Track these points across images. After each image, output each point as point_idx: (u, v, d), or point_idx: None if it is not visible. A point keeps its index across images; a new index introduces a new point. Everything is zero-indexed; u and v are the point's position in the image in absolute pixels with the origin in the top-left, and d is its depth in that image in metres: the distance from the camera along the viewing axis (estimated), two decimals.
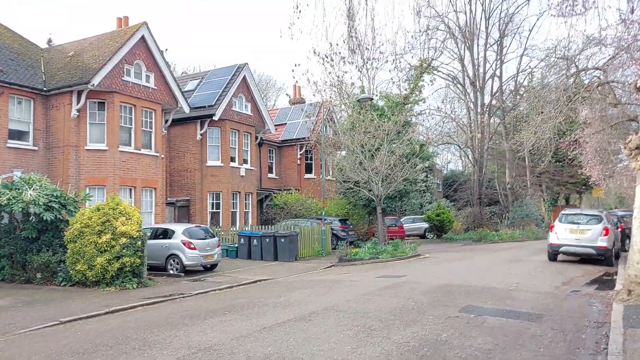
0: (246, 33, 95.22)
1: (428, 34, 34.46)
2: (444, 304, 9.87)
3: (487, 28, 36.94)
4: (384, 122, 23.01)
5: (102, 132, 18.83)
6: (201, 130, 24.70)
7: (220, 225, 24.42)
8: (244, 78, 26.71)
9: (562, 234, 16.94)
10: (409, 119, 27.87)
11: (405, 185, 24.87)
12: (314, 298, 11.15)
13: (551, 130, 18.57)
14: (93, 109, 18.82)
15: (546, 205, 42.02)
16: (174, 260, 16.56)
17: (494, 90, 38.05)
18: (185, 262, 16.36)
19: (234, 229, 24.37)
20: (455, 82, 39.66)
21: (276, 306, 10.24)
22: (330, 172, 32.05)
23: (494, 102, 38.02)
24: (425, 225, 34.40)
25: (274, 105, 54.88)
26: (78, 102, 18.36)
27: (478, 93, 36.98)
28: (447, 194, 48.97)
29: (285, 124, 34.25)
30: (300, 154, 32.90)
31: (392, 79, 60.19)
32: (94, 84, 17.95)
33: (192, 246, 16.43)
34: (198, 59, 75.21)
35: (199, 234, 17.20)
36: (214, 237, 18.04)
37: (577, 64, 17.81)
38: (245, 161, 26.72)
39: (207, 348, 7.07)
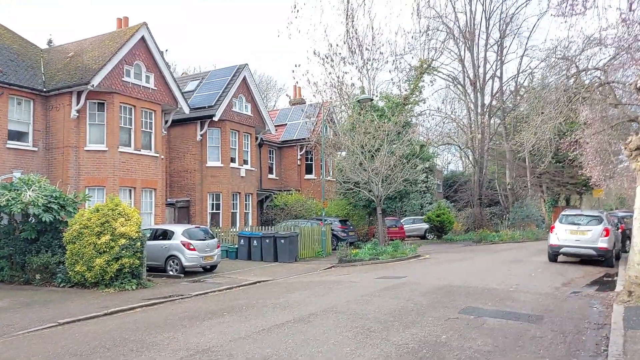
0: (246, 33, 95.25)
1: (428, 34, 34.54)
2: (444, 305, 9.84)
3: (487, 28, 36.95)
4: (384, 122, 23.00)
5: (101, 132, 18.82)
6: (201, 130, 24.69)
7: (220, 226, 24.40)
8: (244, 79, 26.70)
9: (563, 235, 16.91)
10: (409, 119, 27.88)
11: (405, 186, 24.85)
12: (314, 299, 11.12)
13: (551, 130, 18.54)
14: (93, 110, 18.81)
15: (546, 206, 41.99)
16: (173, 261, 16.53)
17: (494, 91, 38.07)
18: (185, 263, 16.33)
19: (234, 229, 24.35)
20: (455, 82, 39.65)
21: (275, 307, 10.21)
22: (331, 173, 32.03)
23: (494, 102, 38.00)
24: (426, 226, 34.37)
25: (274, 105, 54.92)
26: (78, 102, 18.35)
27: (478, 93, 36.95)
28: (447, 195, 48.94)
29: (286, 124, 34.25)
30: (301, 155, 32.88)
31: (392, 79, 60.21)
32: (93, 85, 17.94)
33: (192, 247, 16.40)
34: (198, 59, 75.24)
35: (198, 235, 17.17)
36: (214, 238, 18.02)
37: (577, 64, 17.78)
38: (245, 162, 26.70)
39: (205, 350, 7.04)
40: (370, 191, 23.17)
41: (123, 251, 13.14)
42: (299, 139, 32.34)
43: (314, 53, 23.66)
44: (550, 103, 18.60)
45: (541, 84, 24.60)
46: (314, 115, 29.29)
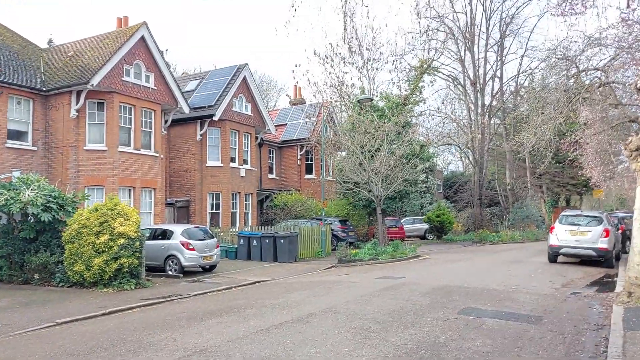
0: (246, 33, 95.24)
1: (428, 34, 34.52)
2: (443, 306, 9.81)
3: (487, 29, 36.93)
4: (384, 122, 22.97)
5: (101, 132, 18.79)
6: (201, 130, 24.66)
7: (220, 226, 24.37)
8: (244, 78, 26.67)
9: (563, 235, 16.87)
10: (409, 119, 27.84)
11: (405, 186, 24.82)
12: (313, 299, 11.09)
13: (551, 131, 18.51)
14: (92, 109, 18.79)
15: (547, 207, 41.95)
16: (172, 261, 16.51)
17: (495, 91, 38.03)
18: (184, 263, 16.31)
19: (234, 229, 24.33)
20: (455, 82, 39.61)
21: (274, 307, 10.18)
22: (331, 173, 32.01)
23: (494, 103, 37.97)
24: (426, 226, 34.35)
25: (274, 105, 54.88)
26: (77, 102, 18.32)
27: (478, 94, 36.92)
28: (447, 195, 48.90)
29: (286, 124, 34.23)
30: (301, 155, 32.86)
31: (392, 79, 60.18)
32: (93, 84, 17.91)
33: (191, 247, 16.38)
34: (198, 59, 75.24)
35: (197, 234, 17.14)
36: (213, 238, 17.99)
37: (577, 64, 17.74)
38: (245, 162, 26.67)
39: (202, 350, 7.01)
40: (370, 191, 23.15)
41: (122, 251, 13.12)
42: (299, 139, 32.31)
43: (314, 53, 23.64)
44: (550, 103, 18.57)
45: (541, 85, 24.57)
46: (314, 115, 29.26)
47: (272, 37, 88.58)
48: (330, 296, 11.46)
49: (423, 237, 34.27)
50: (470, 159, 41.32)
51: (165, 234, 17.04)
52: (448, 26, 36.07)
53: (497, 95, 37.94)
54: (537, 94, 21.08)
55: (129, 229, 13.34)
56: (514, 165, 39.12)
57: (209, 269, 17.42)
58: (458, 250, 25.55)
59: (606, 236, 16.20)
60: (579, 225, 16.88)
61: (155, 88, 20.72)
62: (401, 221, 32.77)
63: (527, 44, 53.89)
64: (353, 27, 26.61)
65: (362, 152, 22.48)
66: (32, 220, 14.51)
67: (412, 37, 34.56)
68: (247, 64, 27.02)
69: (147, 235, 16.16)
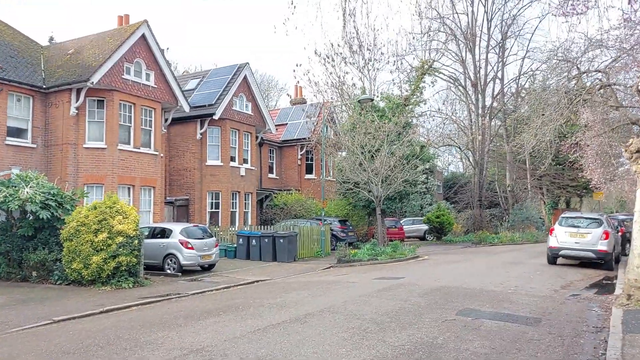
0: (246, 33, 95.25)
1: (429, 35, 34.46)
2: (442, 307, 9.78)
3: (489, 30, 36.88)
4: (384, 123, 22.93)
5: (101, 130, 18.77)
6: (201, 129, 24.63)
7: (219, 225, 24.34)
8: (245, 77, 26.64)
9: (562, 237, 16.83)
10: (410, 120, 27.80)
11: (405, 187, 24.78)
12: (311, 299, 11.06)
13: (552, 132, 18.44)
14: (92, 107, 18.76)
15: (547, 209, 41.90)
16: (171, 260, 16.47)
17: (496, 93, 37.97)
18: (183, 262, 16.27)
19: (233, 228, 24.29)
20: (456, 84, 39.57)
21: (272, 307, 10.15)
22: (331, 173, 31.98)
23: (495, 104, 37.93)
24: (425, 227, 34.32)
25: (275, 105, 54.86)
26: (77, 100, 18.30)
27: (479, 95, 36.88)
28: (447, 196, 48.86)
29: (286, 124, 34.20)
30: (301, 155, 32.83)
31: (393, 80, 60.17)
32: (93, 82, 17.89)
33: (190, 246, 16.34)
34: (199, 59, 75.25)
35: (196, 233, 17.11)
36: (212, 237, 17.96)
37: (578, 66, 17.68)
38: (245, 161, 26.64)
39: (199, 349, 6.98)
40: (369, 191, 23.12)
41: (120, 249, 13.10)
42: (300, 139, 32.29)
43: (315, 53, 23.61)
44: (550, 105, 18.51)
45: (542, 86, 24.52)
46: (315, 115, 29.23)
47: (272, 37, 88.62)
48: (329, 296, 11.43)
49: (422, 238, 34.24)
50: (471, 160, 41.29)
51: (164, 233, 17.01)
52: (449, 27, 36.05)
53: (497, 97, 37.90)
54: (538, 95, 21.03)
55: (127, 227, 13.31)
56: (514, 167, 39.09)
57: (207, 268, 17.39)
58: (457, 251, 25.52)
59: (606, 238, 16.16)
60: (578, 227, 16.84)
61: (156, 86, 20.69)
62: (401, 222, 32.75)
63: (528, 45, 53.73)
64: (354, 27, 26.57)
65: (362, 153, 22.44)
66: (31, 217, 14.47)
67: (414, 38, 34.55)
68: (247, 63, 27.00)
69: (146, 233, 16.15)
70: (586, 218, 17.48)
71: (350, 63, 27.13)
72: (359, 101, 23.67)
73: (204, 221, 23.80)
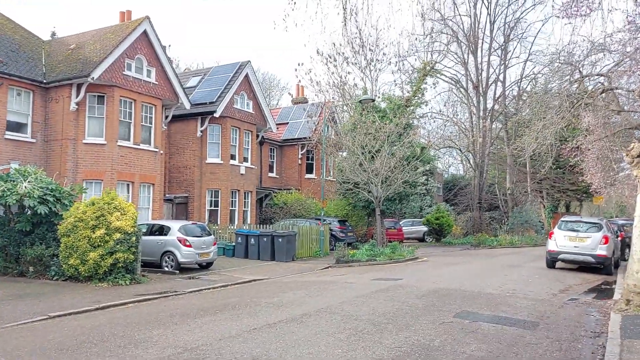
0: (247, 32, 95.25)
1: (432, 37, 34.39)
2: (439, 309, 9.72)
3: (491, 32, 36.79)
4: (385, 124, 22.88)
5: (101, 126, 18.71)
6: (202, 127, 24.57)
7: (219, 223, 24.28)
8: (247, 76, 26.59)
9: (561, 241, 16.78)
10: (411, 121, 27.75)
11: (405, 188, 24.73)
12: (308, 299, 11.01)
13: (553, 136, 18.41)
14: (92, 103, 18.71)
15: (546, 212, 41.85)
16: (169, 257, 16.42)
17: (497, 95, 37.92)
18: (181, 260, 16.22)
19: (232, 227, 24.23)
20: (458, 85, 39.53)
21: (268, 307, 10.10)
22: (331, 173, 31.92)
23: (496, 107, 37.88)
24: (425, 228, 34.25)
25: (277, 104, 54.78)
26: (77, 95, 18.25)
27: (481, 97, 36.81)
28: (447, 198, 48.81)
29: (287, 123, 34.14)
30: (302, 154, 32.77)
31: (394, 81, 60.10)
32: (94, 78, 17.84)
33: (188, 243, 16.28)
34: (199, 59, 75.12)
35: (195, 231, 17.06)
36: (211, 235, 17.91)
37: (581, 69, 17.64)
38: (245, 159, 26.59)
39: (193, 348, 6.92)
40: (369, 192, 23.07)
41: (117, 246, 13.04)
42: (301, 138, 32.23)
43: (317, 52, 23.52)
44: (552, 108, 18.48)
45: (544, 89, 24.48)
46: (316, 114, 29.19)
47: (273, 36, 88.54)
48: (326, 296, 11.38)
49: (422, 240, 34.18)
50: (471, 162, 41.25)
51: (162, 230, 16.96)
52: (452, 29, 35.98)
53: (499, 99, 37.86)
54: (540, 98, 21.01)
55: (125, 224, 13.26)
56: (515, 170, 39.04)
57: (205, 266, 17.34)
58: (456, 253, 25.47)
59: (605, 243, 16.11)
60: (578, 231, 16.79)
61: (157, 83, 20.64)
62: (400, 223, 32.69)
63: (530, 48, 53.86)
64: (357, 27, 26.50)
65: (362, 153, 22.40)
66: (29, 212, 14.43)
67: (416, 39, 34.46)
68: (249, 61, 26.93)
69: (144, 230, 16.09)
70: (586, 222, 17.44)
71: (352, 63, 27.12)
72: (360, 101, 23.63)
73: (203, 219, 23.75)
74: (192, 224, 17.95)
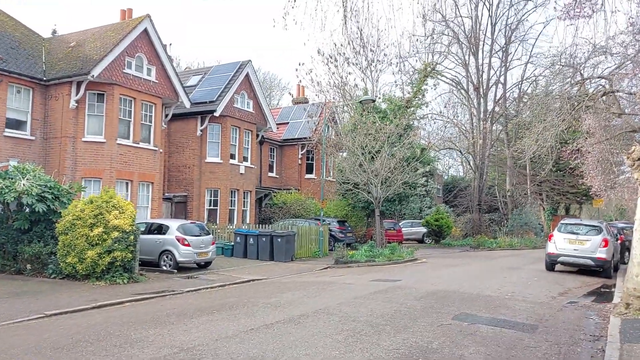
0: (247, 32, 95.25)
1: (433, 38, 34.37)
2: (438, 311, 9.67)
3: (492, 34, 36.77)
4: (385, 124, 22.84)
5: (100, 124, 18.67)
6: (201, 126, 24.52)
7: (218, 222, 24.23)
8: (247, 75, 26.54)
9: (561, 243, 16.73)
10: (411, 122, 27.71)
11: (404, 189, 24.69)
12: (306, 300, 10.96)
13: (553, 138, 18.36)
14: (92, 101, 18.67)
15: (546, 215, 41.81)
16: (167, 257, 16.36)
17: (498, 97, 37.89)
18: (179, 259, 16.16)
19: (231, 226, 24.17)
20: (458, 87, 39.49)
21: (266, 307, 10.05)
22: (331, 173, 31.87)
23: (497, 108, 37.86)
24: (424, 230, 34.20)
25: (277, 104, 54.74)
26: (77, 93, 18.21)
27: (481, 99, 36.78)
28: (446, 200, 48.78)
29: (288, 123, 34.09)
30: (302, 154, 32.73)
31: (395, 81, 60.05)
32: (93, 75, 17.79)
33: (186, 243, 16.22)
34: (199, 58, 75.05)
35: (194, 230, 17.00)
36: (209, 234, 17.86)
37: (582, 72, 17.61)
38: (245, 159, 26.53)
39: (189, 348, 6.87)
40: (369, 193, 23.02)
41: (115, 244, 12.98)
42: (301, 138, 32.18)
43: (318, 52, 23.46)
44: (553, 110, 18.45)
45: (545, 91, 24.44)
46: (317, 114, 29.15)
47: (273, 36, 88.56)
48: (324, 297, 11.33)
49: (421, 241, 34.11)
50: (471, 164, 41.22)
51: (160, 229, 16.90)
52: (453, 30, 35.96)
53: (499, 101, 37.83)
54: (540, 100, 20.97)
55: (123, 222, 13.20)
56: (515, 172, 39.00)
57: (204, 266, 17.28)
58: (455, 255, 25.42)
59: (605, 246, 16.06)
60: (578, 234, 16.74)
61: (157, 81, 20.59)
62: (399, 224, 32.64)
63: (531, 50, 53.93)
64: (358, 27, 26.43)
65: (362, 153, 22.35)
66: (27, 210, 14.37)
67: (417, 40, 34.41)
68: (250, 60, 26.88)
69: (142, 229, 16.05)
70: (585, 225, 17.39)
71: (353, 63, 27.04)
72: (360, 102, 23.58)
73: (202, 218, 23.70)
74: (191, 223, 17.89)
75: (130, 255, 13.40)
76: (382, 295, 11.54)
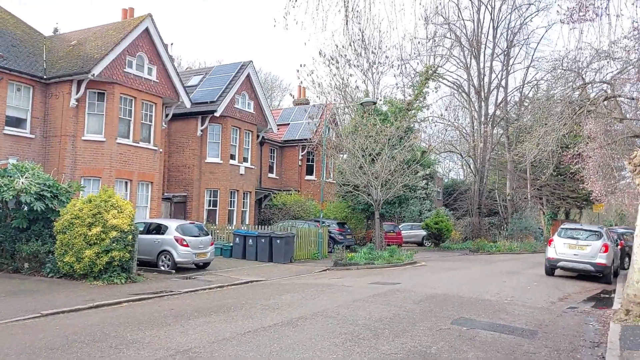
0: (247, 32, 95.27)
1: (435, 40, 34.31)
2: (436, 315, 9.61)
3: (494, 37, 36.73)
4: (386, 127, 22.79)
5: (100, 123, 18.62)
6: (202, 126, 24.47)
7: (217, 223, 24.17)
8: (248, 76, 26.50)
9: (561, 248, 16.67)
10: (412, 125, 27.65)
11: (405, 192, 24.62)
12: (304, 302, 10.90)
13: (554, 142, 18.32)
14: (92, 99, 18.63)
15: (546, 219, 41.75)
16: (165, 257, 16.30)
17: (499, 101, 37.84)
18: (177, 259, 16.10)
19: (230, 227, 24.11)
20: (460, 90, 39.42)
21: (264, 309, 9.99)
22: (331, 175, 31.82)
23: (498, 112, 37.81)
24: (424, 232, 34.13)
25: (278, 105, 54.71)
26: (78, 91, 18.17)
27: (482, 102, 36.73)
28: (446, 203, 48.71)
29: (288, 124, 34.05)
30: (302, 155, 32.68)
31: (396, 84, 59.98)
32: (94, 74, 17.75)
33: (185, 243, 16.16)
34: (200, 58, 75.07)
35: (192, 231, 16.93)
36: (208, 235, 17.80)
37: (584, 76, 17.56)
38: (245, 159, 26.48)
39: (186, 350, 6.81)
40: (369, 195, 22.95)
41: (114, 244, 12.92)
42: (301, 139, 32.14)
43: (320, 54, 23.41)
44: (554, 114, 18.40)
45: (546, 95, 24.40)
46: (317, 116, 29.09)
47: (273, 36, 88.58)
48: (323, 300, 11.27)
49: (420, 244, 34.05)
50: (471, 167, 41.14)
51: (159, 229, 16.84)
52: (455, 33, 35.91)
53: (501, 105, 37.78)
54: (542, 104, 20.92)
55: (122, 222, 13.14)
56: (515, 176, 38.93)
57: (202, 266, 17.21)
58: (455, 258, 25.35)
59: (605, 251, 16.00)
60: (578, 239, 16.68)
61: (157, 81, 20.55)
62: (399, 227, 32.56)
63: (533, 54, 53.70)
64: (359, 29, 26.40)
65: (363, 156, 22.30)
66: (25, 209, 14.30)
67: (419, 43, 34.35)
68: (251, 61, 26.85)
69: (141, 229, 15.99)
70: (586, 230, 17.33)
71: (354, 65, 26.96)
72: (361, 104, 23.53)
73: (201, 219, 23.63)
74: (190, 223, 17.83)
75: (129, 255, 13.34)
76: (380, 298, 11.48)
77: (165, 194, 23.52)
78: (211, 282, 14.15)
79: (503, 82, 37.71)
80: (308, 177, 32.82)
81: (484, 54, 36.84)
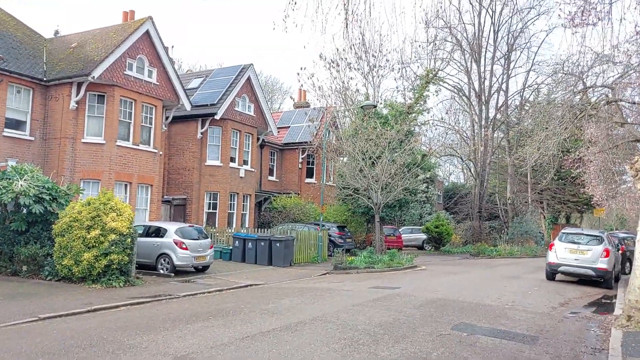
0: (247, 33, 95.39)
1: (435, 44, 34.31)
2: (437, 320, 9.54)
3: (495, 41, 36.72)
4: (386, 130, 22.75)
5: (100, 125, 18.58)
6: (202, 128, 24.43)
7: (216, 226, 24.10)
8: (249, 78, 26.48)
9: (562, 253, 16.58)
10: (412, 128, 27.62)
11: (405, 195, 24.57)
12: (304, 307, 10.83)
13: (555, 146, 18.26)
14: (92, 102, 18.59)
15: (546, 223, 41.67)
16: (164, 260, 16.24)
17: (499, 104, 37.81)
18: (176, 262, 16.04)
19: (230, 230, 24.04)
20: (460, 94, 39.42)
21: (263, 313, 9.92)
22: (331, 178, 31.76)
23: (498, 116, 37.79)
24: (424, 236, 34.06)
25: (279, 107, 54.71)
26: (77, 94, 18.13)
27: (483, 106, 36.70)
28: (447, 206, 48.63)
29: (289, 127, 34.02)
30: (302, 158, 32.63)
31: (397, 87, 60.04)
32: (94, 77, 17.72)
33: (184, 246, 16.11)
34: (202, 59, 75.20)
35: (192, 234, 16.88)
36: (207, 238, 17.75)
37: (585, 80, 17.53)
38: (245, 162, 26.43)
39: (183, 356, 6.74)
40: (369, 198, 22.89)
41: (112, 247, 12.87)
42: (301, 142, 32.10)
43: (320, 57, 23.40)
44: (555, 119, 18.35)
45: (547, 99, 24.36)
46: (318, 119, 29.06)
47: (273, 36, 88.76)
48: (322, 304, 11.20)
49: (421, 248, 33.98)
50: (472, 171, 41.10)
51: (158, 232, 16.79)
52: (456, 37, 35.91)
53: (501, 109, 37.75)
54: (542, 108, 20.88)
55: (120, 225, 13.08)
56: (516, 180, 38.88)
57: (201, 270, 17.16)
58: (455, 262, 25.27)
59: (606, 256, 15.91)
60: (579, 243, 16.59)
61: (158, 84, 20.52)
62: (399, 230, 32.49)
63: (534, 58, 53.37)
64: (360, 32, 26.40)
65: (363, 159, 22.25)
66: (24, 211, 14.25)
67: (419, 46, 34.41)
68: (252, 64, 26.84)
69: (140, 232, 15.95)
70: (587, 235, 17.24)
71: (354, 68, 26.96)
72: (362, 107, 23.49)
73: (200, 222, 23.57)
74: (189, 226, 17.78)
75: (127, 258, 13.28)
76: (380, 303, 11.40)
77: (165, 196, 23.47)
78: (210, 286, 14.09)
79: (504, 86, 37.73)
80: (308, 180, 32.77)
81: (485, 57, 36.87)
